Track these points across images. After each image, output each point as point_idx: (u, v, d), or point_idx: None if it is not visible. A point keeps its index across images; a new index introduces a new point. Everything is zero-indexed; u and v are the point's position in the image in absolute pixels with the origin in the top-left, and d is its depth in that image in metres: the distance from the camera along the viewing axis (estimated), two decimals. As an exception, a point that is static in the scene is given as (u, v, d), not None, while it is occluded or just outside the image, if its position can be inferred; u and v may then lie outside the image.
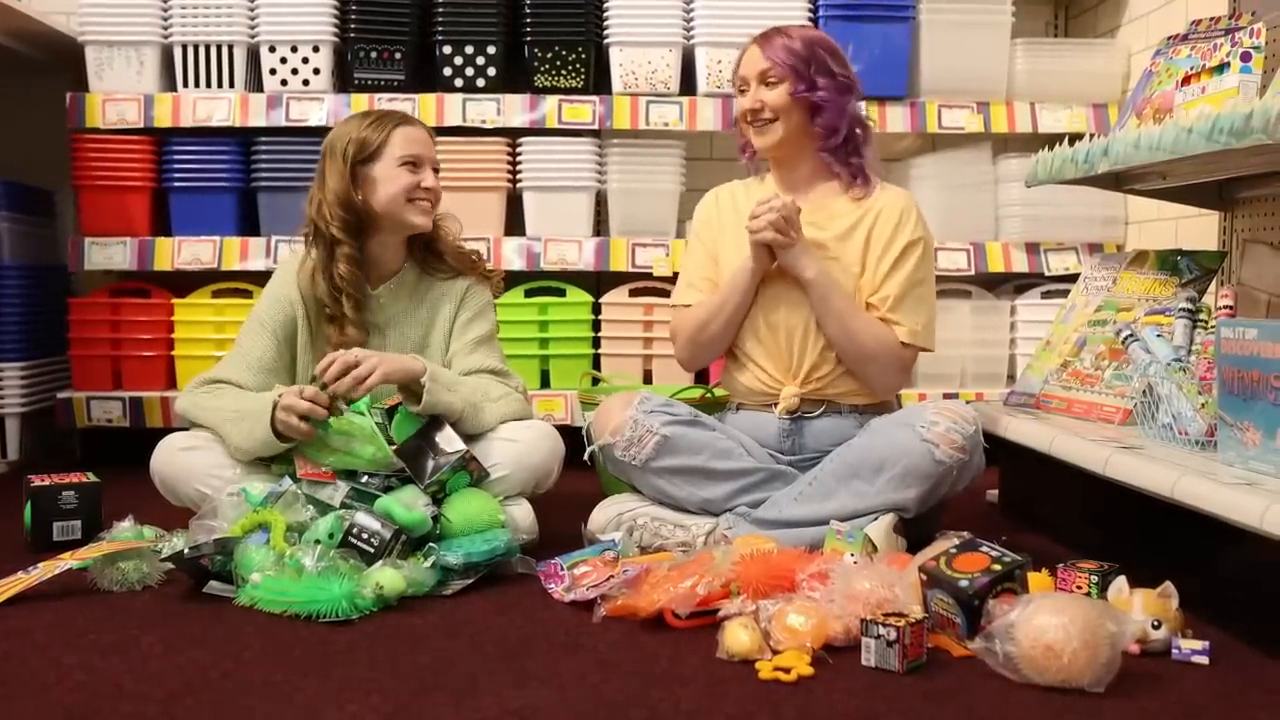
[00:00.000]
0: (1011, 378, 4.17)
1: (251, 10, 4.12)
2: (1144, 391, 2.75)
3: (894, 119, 4.20)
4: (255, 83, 4.18)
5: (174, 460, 2.81)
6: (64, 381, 4.17)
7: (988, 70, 4.24)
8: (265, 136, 4.12)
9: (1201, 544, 2.47)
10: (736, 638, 2.09)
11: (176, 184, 4.12)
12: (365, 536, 2.50)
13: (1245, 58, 2.75)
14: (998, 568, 2.14)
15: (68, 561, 2.50)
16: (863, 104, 2.99)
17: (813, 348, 2.87)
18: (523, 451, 2.85)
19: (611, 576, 2.42)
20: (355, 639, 2.21)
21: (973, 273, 4.23)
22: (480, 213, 4.06)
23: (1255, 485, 2.13)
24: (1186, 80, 2.93)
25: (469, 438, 2.79)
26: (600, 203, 4.26)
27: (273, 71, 4.12)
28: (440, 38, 4.13)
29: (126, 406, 4.03)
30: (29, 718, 1.84)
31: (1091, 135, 3.11)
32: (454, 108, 4.11)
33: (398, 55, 4.15)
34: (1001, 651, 1.98)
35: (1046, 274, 4.24)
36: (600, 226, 4.30)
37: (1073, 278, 3.64)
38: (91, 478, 2.96)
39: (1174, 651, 2.10)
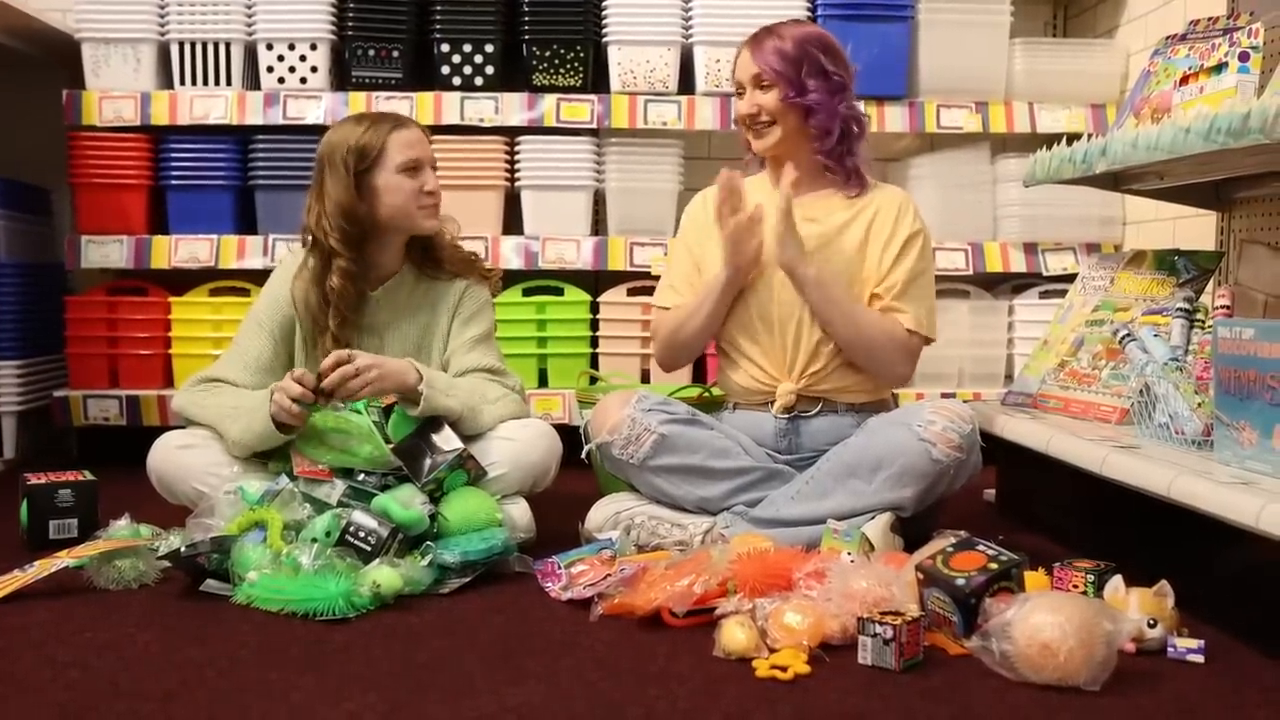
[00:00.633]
0: (1009, 377, 4.17)
1: (249, 8, 4.11)
2: (1141, 391, 2.75)
3: (892, 119, 4.20)
4: (252, 80, 4.18)
5: (171, 458, 2.81)
6: (61, 380, 4.16)
7: (986, 70, 4.25)
8: (263, 134, 4.11)
9: (1197, 543, 2.47)
10: (733, 636, 2.09)
11: (174, 182, 4.12)
12: (362, 535, 2.50)
13: (1243, 58, 2.75)
14: (994, 566, 2.14)
15: (64, 560, 2.49)
16: (860, 103, 2.96)
17: (808, 344, 2.87)
18: (520, 450, 2.85)
19: (608, 575, 2.42)
20: (352, 637, 2.21)
21: (971, 272, 4.23)
22: (478, 211, 4.06)
23: (1251, 485, 2.13)
24: (1184, 80, 2.93)
25: (466, 437, 2.79)
26: (598, 202, 4.26)
27: (270, 69, 4.12)
28: (438, 36, 4.12)
29: (123, 405, 4.02)
30: (24, 715, 1.83)
31: (1090, 135, 3.11)
32: (452, 106, 4.11)
33: (395, 53, 4.15)
34: (998, 650, 1.98)
35: (1044, 274, 4.25)
36: (598, 225, 4.30)
37: (1070, 278, 3.64)
38: (88, 476, 2.96)
39: (1169, 650, 2.10)
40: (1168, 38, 3.10)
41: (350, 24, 4.11)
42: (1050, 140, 3.29)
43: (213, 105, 4.09)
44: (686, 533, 2.75)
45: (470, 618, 2.33)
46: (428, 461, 2.71)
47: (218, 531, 2.52)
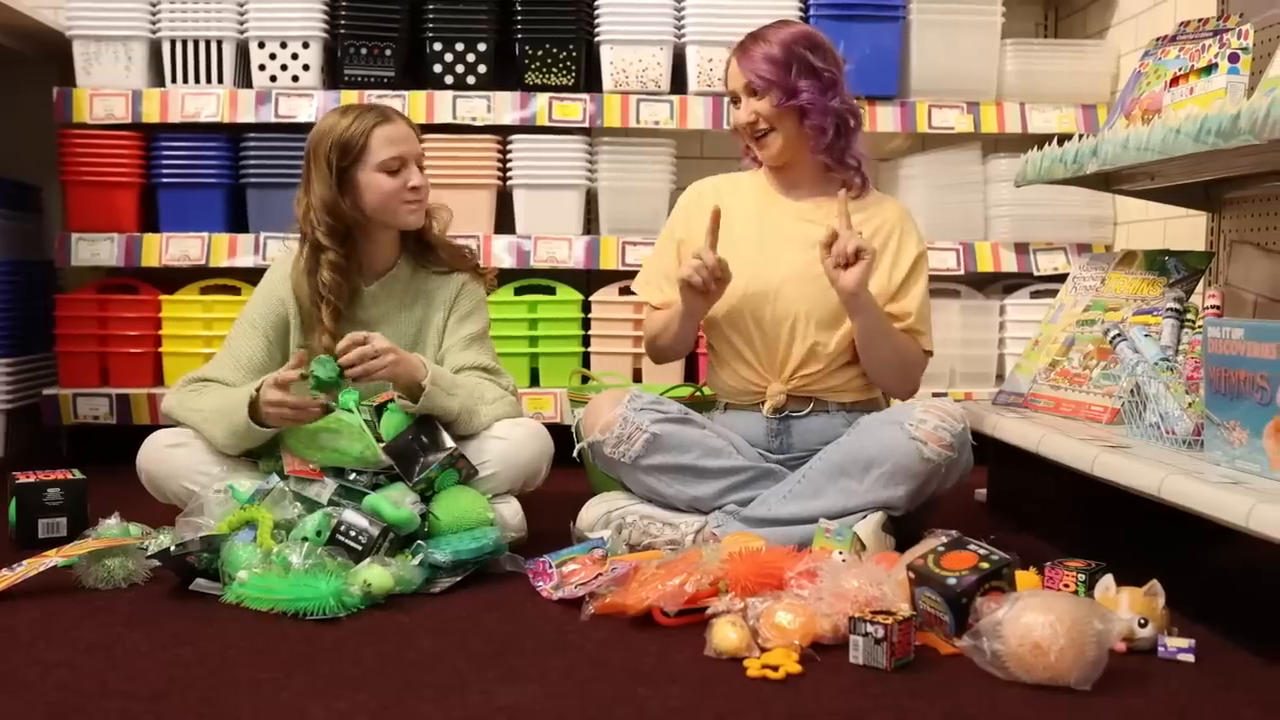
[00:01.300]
0: (1000, 377, 4.17)
1: (241, 6, 4.10)
2: (1131, 391, 2.76)
3: (884, 119, 4.20)
4: (244, 79, 4.17)
5: (161, 457, 2.80)
6: (50, 378, 4.15)
7: (977, 70, 4.25)
8: (254, 133, 4.11)
9: (1188, 543, 2.47)
10: (725, 635, 2.09)
11: (165, 180, 4.11)
12: (353, 534, 2.50)
13: (1233, 59, 2.76)
14: (985, 566, 2.14)
15: (53, 559, 2.49)
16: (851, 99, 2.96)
17: (801, 346, 2.88)
18: (512, 449, 2.84)
19: (600, 574, 2.42)
20: (342, 637, 2.20)
21: (962, 272, 4.23)
22: (470, 210, 4.06)
23: (1241, 484, 2.13)
24: (1175, 81, 2.94)
25: (459, 436, 2.79)
26: (590, 201, 4.26)
27: (262, 67, 4.12)
28: (431, 34, 4.12)
29: (113, 403, 4.02)
30: (13, 716, 1.83)
31: (1081, 135, 3.11)
32: (444, 105, 4.11)
33: (388, 52, 4.14)
34: (989, 649, 1.98)
35: (1035, 274, 4.25)
36: (590, 224, 4.30)
37: (1061, 277, 3.64)
38: (77, 475, 2.95)
39: (1160, 649, 2.10)
40: (1158, 39, 3.11)
41: (342, 22, 4.11)
42: (1041, 140, 3.30)
43: (204, 103, 4.09)
44: (678, 532, 2.75)
45: (461, 617, 2.33)
46: (419, 461, 2.71)
47: (208, 530, 2.52)
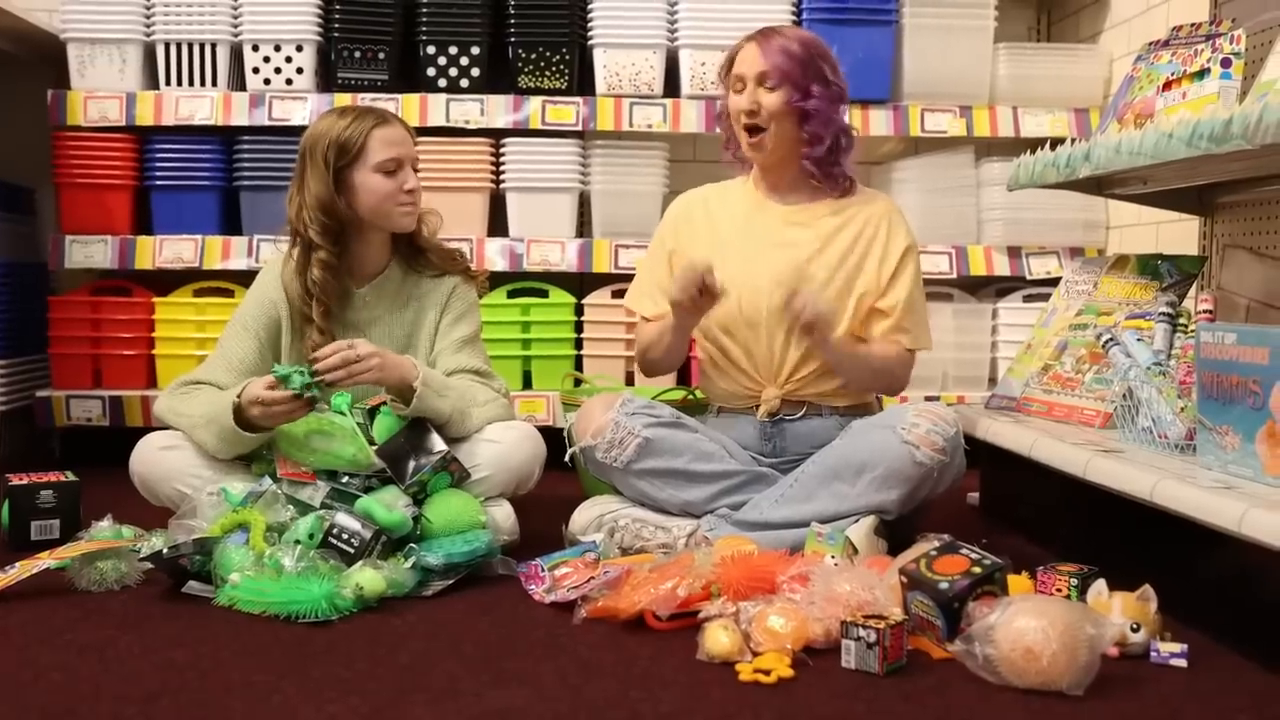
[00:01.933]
0: (993, 381, 4.18)
1: (235, 9, 4.10)
2: (1124, 395, 2.76)
3: (877, 122, 4.21)
4: (238, 81, 4.17)
5: (153, 459, 2.80)
6: (43, 380, 4.15)
7: (970, 74, 4.26)
8: (248, 135, 4.11)
9: (1180, 547, 2.47)
10: (717, 639, 2.09)
11: (158, 182, 4.11)
12: (345, 537, 2.49)
13: (1225, 64, 2.76)
14: (978, 570, 2.14)
15: (45, 561, 2.48)
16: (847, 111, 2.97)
17: (794, 349, 2.88)
18: (504, 453, 2.84)
19: (592, 578, 2.42)
20: (334, 640, 2.20)
21: (954, 276, 4.24)
22: (463, 213, 4.06)
23: (1234, 489, 2.14)
24: (1167, 86, 2.94)
25: (451, 439, 2.79)
26: (583, 204, 4.26)
27: (256, 70, 4.12)
28: (424, 38, 4.12)
29: (106, 405, 4.01)
30: (5, 718, 1.83)
31: (1073, 140, 3.12)
32: (437, 108, 4.11)
33: (381, 55, 4.14)
34: (981, 654, 1.98)
35: (1028, 278, 4.26)
36: (583, 228, 4.30)
37: (1054, 281, 3.65)
38: (70, 477, 2.95)
39: (1152, 654, 2.10)
40: (1151, 43, 3.12)
41: (336, 25, 4.11)
42: (1034, 144, 3.30)
43: (198, 106, 4.08)
44: (670, 536, 2.76)
45: (453, 620, 2.33)
46: (411, 464, 2.71)
47: (200, 533, 2.52)
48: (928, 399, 4.02)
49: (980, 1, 4.22)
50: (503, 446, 2.84)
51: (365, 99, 4.05)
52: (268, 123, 4.09)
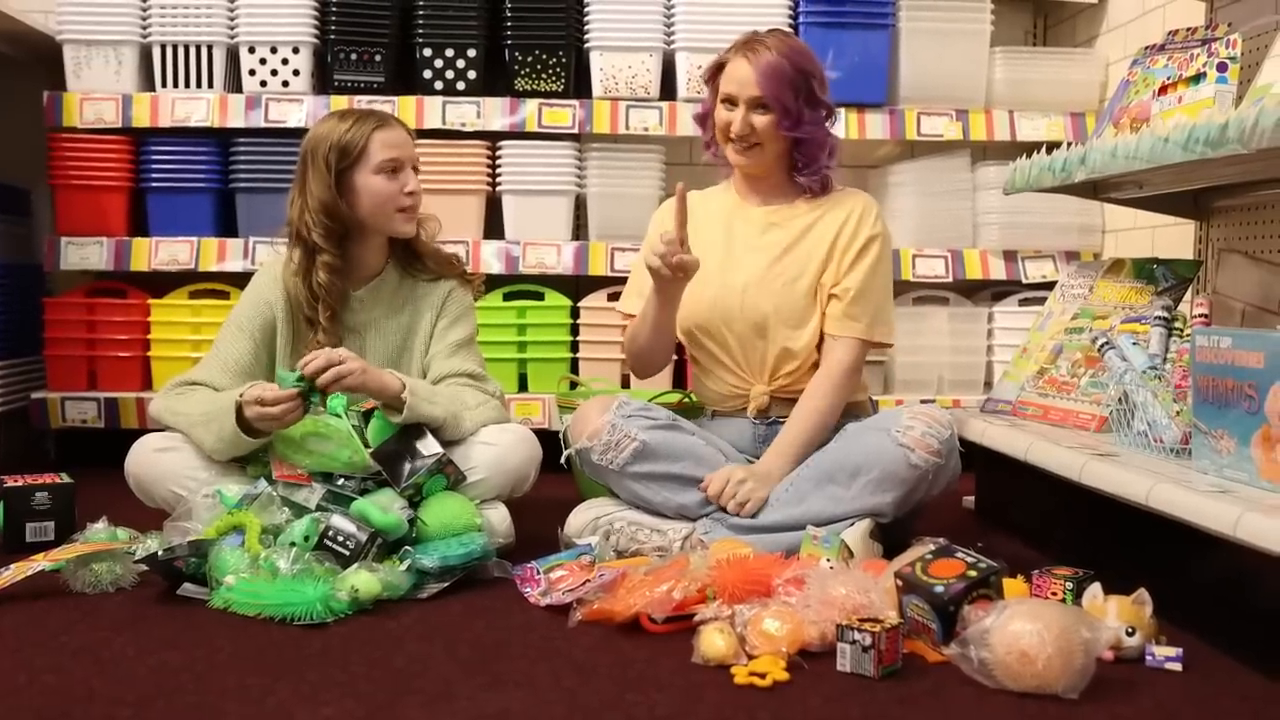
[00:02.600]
0: (988, 384, 4.18)
1: (231, 11, 4.10)
2: (1119, 399, 2.76)
3: (873, 126, 4.21)
4: (234, 83, 4.17)
5: (149, 461, 2.80)
6: (38, 382, 4.14)
7: (967, 78, 4.26)
8: (244, 137, 4.10)
9: (1175, 551, 2.48)
10: (712, 643, 2.09)
11: (154, 184, 4.11)
12: (341, 539, 2.49)
13: (1221, 68, 2.77)
14: (973, 574, 2.14)
15: (40, 563, 2.48)
16: (840, 110, 2.98)
17: (773, 345, 2.91)
18: (500, 455, 2.84)
19: (588, 580, 2.42)
20: (329, 642, 2.20)
21: (950, 280, 4.24)
22: (459, 216, 4.06)
23: (1229, 493, 2.14)
24: (1163, 90, 2.95)
25: (446, 443, 2.78)
26: (579, 206, 4.26)
27: (252, 72, 4.11)
28: (421, 40, 4.12)
29: (101, 407, 4.01)
30: None
31: (1069, 144, 3.12)
32: (434, 110, 4.11)
33: (378, 57, 4.14)
34: (976, 658, 1.98)
35: (1024, 281, 4.26)
36: (579, 230, 4.30)
37: (1050, 285, 3.65)
38: (65, 478, 2.95)
39: (1148, 658, 2.10)
40: (1147, 48, 3.12)
41: (332, 27, 4.11)
42: (1030, 148, 3.30)
43: (194, 108, 4.08)
44: (666, 538, 2.75)
45: (449, 623, 2.33)
46: (407, 466, 2.71)
47: (195, 535, 2.52)
48: (923, 402, 4.02)
49: (977, 5, 4.23)
50: (498, 449, 2.84)
51: (361, 101, 4.05)
52: (264, 125, 4.08)
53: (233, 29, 4.11)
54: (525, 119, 4.13)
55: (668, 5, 4.17)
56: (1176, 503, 2.19)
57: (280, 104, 4.10)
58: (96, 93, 4.08)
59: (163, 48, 4.10)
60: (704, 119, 3.03)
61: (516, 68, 4.14)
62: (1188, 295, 3.13)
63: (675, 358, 3.51)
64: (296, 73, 4.12)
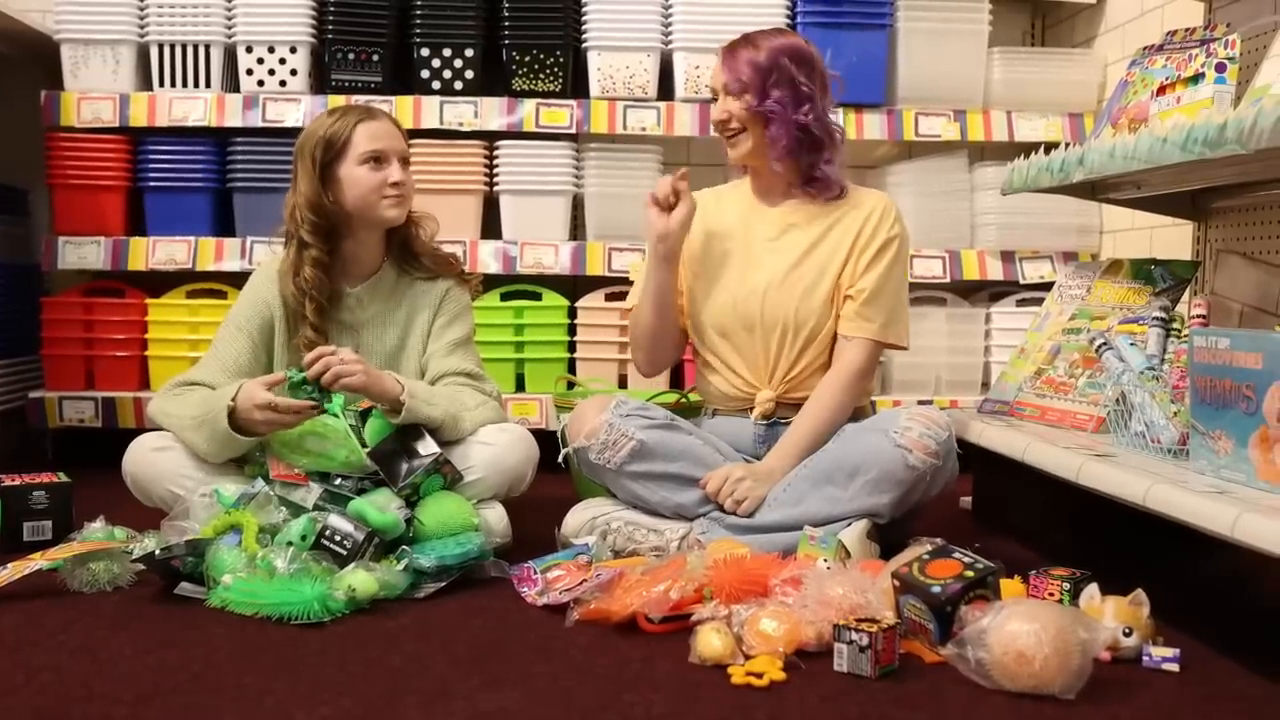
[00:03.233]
0: (986, 385, 4.18)
1: (229, 10, 4.10)
2: (1117, 400, 2.76)
3: (871, 126, 4.21)
4: (232, 83, 4.16)
5: (146, 461, 2.80)
6: (36, 381, 4.14)
7: (965, 78, 4.26)
8: (241, 137, 4.10)
9: (1173, 552, 2.48)
10: (709, 642, 2.09)
11: (152, 184, 4.11)
12: (338, 539, 2.49)
13: (1220, 68, 2.77)
14: (970, 574, 2.14)
15: (38, 562, 2.48)
16: (839, 112, 2.96)
17: (790, 351, 2.89)
18: (497, 455, 2.84)
19: (585, 580, 2.42)
20: (327, 641, 2.20)
21: (948, 280, 4.24)
22: (457, 215, 4.06)
23: (1227, 494, 2.14)
24: (1162, 90, 2.95)
25: (443, 442, 2.78)
26: (577, 206, 4.26)
27: (249, 72, 4.11)
28: (418, 40, 4.12)
29: (99, 407, 4.01)
30: (-4, 719, 1.83)
31: (1067, 144, 3.12)
32: (431, 110, 4.10)
33: (375, 57, 4.14)
34: (973, 658, 1.98)
35: (1021, 282, 4.26)
36: (577, 230, 4.29)
37: (1047, 286, 3.65)
38: (62, 478, 2.95)
39: (1145, 659, 2.10)
40: (1145, 48, 3.12)
41: (330, 27, 4.10)
42: (1028, 149, 3.30)
43: (192, 107, 4.08)
44: (663, 538, 2.75)
45: (446, 622, 2.33)
46: (404, 466, 2.71)
47: (193, 534, 2.52)
48: (921, 403, 4.02)
49: (975, 5, 4.23)
50: (496, 449, 2.84)
51: (359, 100, 4.04)
52: (261, 124, 4.08)
53: (230, 28, 4.10)
54: (523, 119, 4.13)
55: (665, 5, 4.17)
56: (1174, 503, 2.19)
57: (278, 103, 4.10)
58: (94, 92, 4.08)
59: (160, 47, 4.10)
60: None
61: (514, 67, 4.14)
62: (1186, 296, 3.13)
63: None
64: (294, 72, 4.11)
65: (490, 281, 3.95)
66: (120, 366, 4.08)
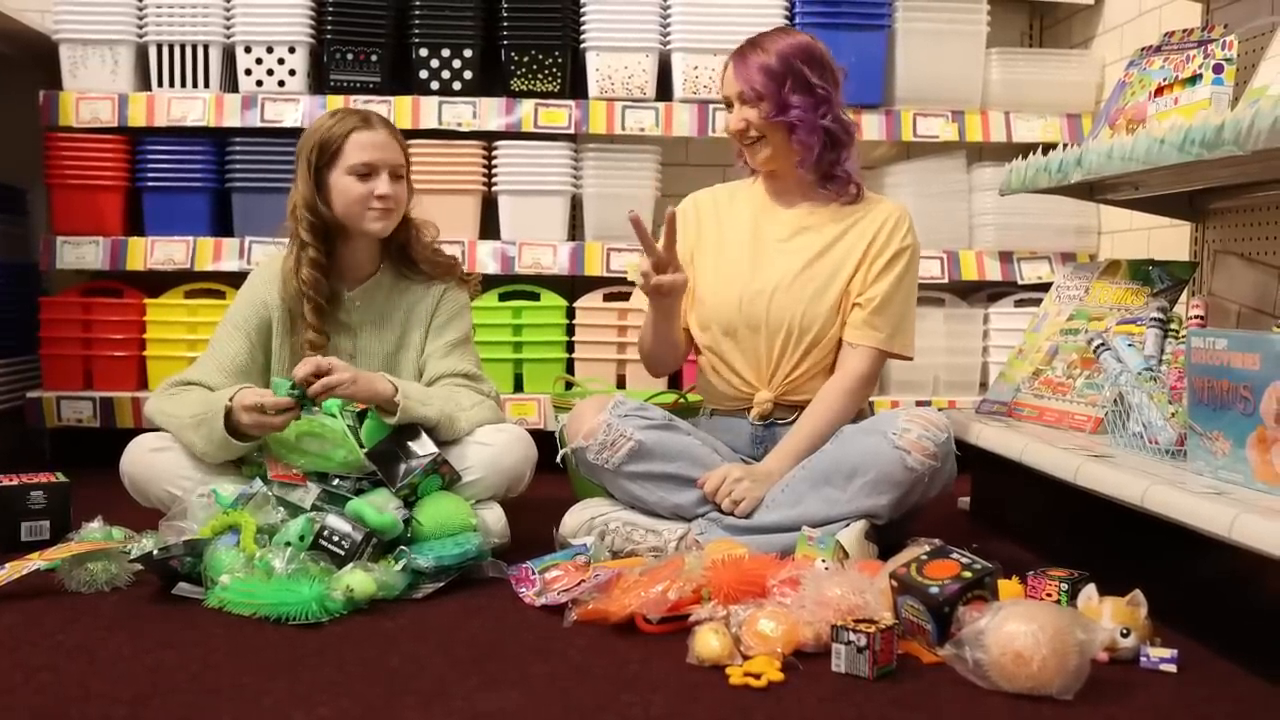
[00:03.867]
0: (984, 385, 4.19)
1: (227, 10, 4.10)
2: (1115, 400, 2.76)
3: (869, 127, 4.21)
4: (230, 83, 4.16)
5: (144, 461, 2.80)
6: (34, 381, 4.14)
7: (963, 79, 4.26)
8: (240, 137, 4.10)
9: (1170, 553, 2.48)
10: (707, 643, 2.09)
11: (150, 184, 4.10)
12: (336, 539, 2.49)
13: (1217, 69, 2.77)
14: (968, 575, 2.14)
15: (35, 562, 2.48)
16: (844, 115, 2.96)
17: (792, 351, 2.89)
18: (495, 455, 2.84)
19: (583, 581, 2.42)
20: (325, 642, 2.20)
21: (946, 280, 4.24)
22: (455, 216, 4.06)
23: (1224, 494, 2.14)
24: (1159, 91, 2.95)
25: (441, 444, 2.78)
26: (575, 207, 4.26)
27: (248, 72, 4.11)
28: (417, 40, 4.11)
29: (97, 407, 4.01)
30: (-6, 719, 1.83)
31: (1065, 145, 3.12)
32: (430, 110, 4.10)
33: (374, 57, 4.14)
34: (971, 658, 1.98)
35: (1020, 282, 4.27)
36: (575, 230, 4.30)
37: (1045, 286, 3.65)
38: (60, 478, 2.95)
39: (1142, 659, 2.11)
40: (1143, 49, 3.12)
41: (329, 27, 4.10)
42: (1026, 149, 3.31)
43: (190, 107, 4.08)
44: (661, 539, 2.75)
45: (444, 623, 2.33)
46: (402, 466, 2.71)
47: (191, 535, 2.52)
48: (919, 404, 4.03)
49: (973, 6, 4.24)
50: (494, 449, 2.84)
51: (358, 101, 4.05)
52: (260, 124, 4.08)
53: (229, 28, 4.10)
54: (521, 119, 4.13)
55: (664, 6, 4.17)
56: (1172, 504, 2.19)
57: (276, 104, 4.09)
58: (92, 92, 4.07)
59: (159, 47, 4.10)
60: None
61: (513, 68, 4.14)
62: (1183, 297, 3.13)
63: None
64: (293, 72, 4.11)
65: (488, 282, 3.95)
66: (118, 366, 4.07)
